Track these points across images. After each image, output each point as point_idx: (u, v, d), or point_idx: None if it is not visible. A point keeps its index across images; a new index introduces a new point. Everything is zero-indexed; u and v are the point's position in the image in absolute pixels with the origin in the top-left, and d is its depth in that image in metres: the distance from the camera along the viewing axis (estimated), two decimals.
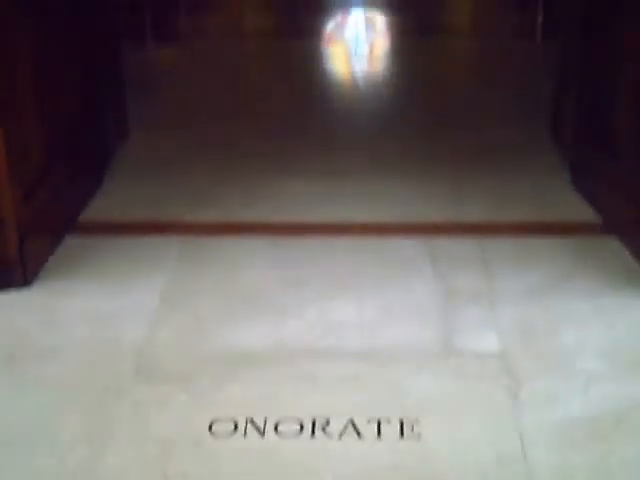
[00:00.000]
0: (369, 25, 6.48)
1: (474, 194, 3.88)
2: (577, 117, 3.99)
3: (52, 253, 3.35)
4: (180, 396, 2.51)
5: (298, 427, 2.38)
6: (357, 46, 6.14)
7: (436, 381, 2.58)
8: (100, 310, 2.98)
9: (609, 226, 3.54)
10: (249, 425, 2.38)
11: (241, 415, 2.42)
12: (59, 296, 3.08)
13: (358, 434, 2.36)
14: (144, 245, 3.45)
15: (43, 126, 3.33)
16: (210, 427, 2.38)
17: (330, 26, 6.43)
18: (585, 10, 3.85)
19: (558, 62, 4.39)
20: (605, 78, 3.66)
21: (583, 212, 3.70)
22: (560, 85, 4.35)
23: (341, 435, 2.36)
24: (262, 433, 2.36)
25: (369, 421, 2.40)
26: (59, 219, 3.49)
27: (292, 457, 2.28)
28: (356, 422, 2.40)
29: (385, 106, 4.96)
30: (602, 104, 3.71)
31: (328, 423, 2.39)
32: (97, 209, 3.78)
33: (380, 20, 6.50)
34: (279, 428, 2.37)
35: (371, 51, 6.06)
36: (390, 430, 2.37)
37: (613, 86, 3.58)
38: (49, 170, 3.37)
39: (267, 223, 3.65)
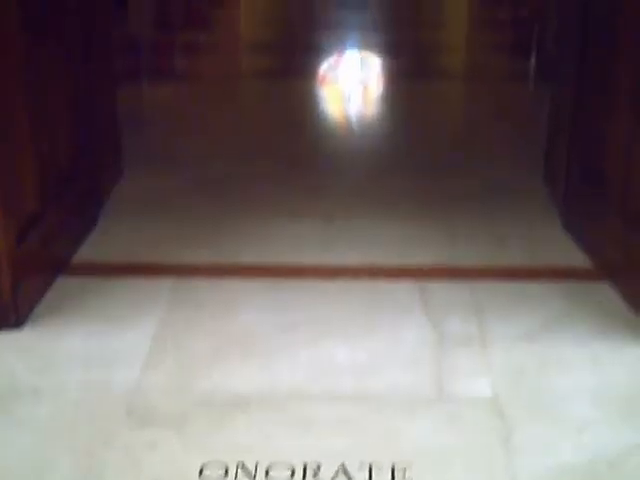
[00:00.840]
0: (364, 67, 6.53)
1: (467, 237, 3.89)
2: (569, 161, 4.02)
3: (45, 294, 3.35)
4: (171, 439, 2.51)
5: (289, 472, 2.37)
6: (351, 88, 6.18)
7: (428, 426, 2.58)
8: (92, 352, 2.98)
9: (601, 270, 3.56)
10: (240, 470, 2.37)
11: (232, 460, 2.41)
12: (51, 338, 3.07)
13: (349, 479, 2.35)
14: (137, 287, 3.45)
15: (38, 168, 3.34)
16: (201, 472, 2.37)
17: (325, 67, 6.48)
18: (578, 55, 3.88)
19: (551, 106, 4.43)
20: (597, 123, 3.70)
21: (575, 256, 3.72)
22: (553, 129, 4.38)
23: None
24: (253, 478, 2.35)
25: (361, 466, 2.39)
26: (52, 260, 3.49)
27: None
28: (347, 467, 2.39)
29: (379, 149, 4.99)
30: (594, 149, 3.74)
31: (319, 468, 2.38)
32: (90, 250, 3.78)
33: (374, 62, 6.55)
34: (270, 473, 2.37)
35: (365, 93, 6.10)
36: (382, 476, 2.36)
37: (605, 131, 3.61)
38: (43, 212, 3.37)
39: (260, 266, 3.65)
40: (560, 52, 4.36)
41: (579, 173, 3.89)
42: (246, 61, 6.83)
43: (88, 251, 3.77)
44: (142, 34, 7.53)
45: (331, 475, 2.36)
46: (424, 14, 8.01)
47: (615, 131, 3.51)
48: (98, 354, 2.96)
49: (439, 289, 3.43)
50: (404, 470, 2.38)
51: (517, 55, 6.82)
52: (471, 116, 5.53)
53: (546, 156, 4.46)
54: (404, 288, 3.44)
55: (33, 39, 3.27)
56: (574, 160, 3.96)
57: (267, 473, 2.36)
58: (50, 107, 3.48)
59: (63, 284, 3.47)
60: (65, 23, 3.64)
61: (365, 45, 7.01)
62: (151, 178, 4.55)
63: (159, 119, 5.44)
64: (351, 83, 6.25)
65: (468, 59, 6.96)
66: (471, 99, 5.95)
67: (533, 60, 6.92)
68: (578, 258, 3.70)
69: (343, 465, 2.39)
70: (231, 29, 7.77)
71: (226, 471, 2.37)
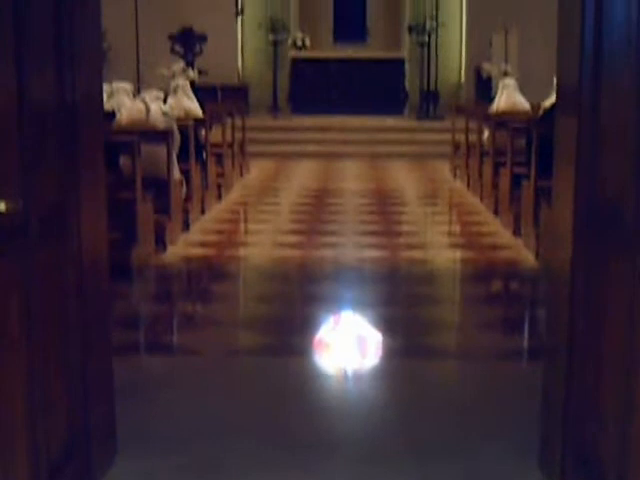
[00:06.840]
0: (357, 343, 6.64)
1: None
2: (564, 446, 4.01)
3: None
4: None
5: None
6: (345, 363, 6.27)
7: None
8: None
9: None
10: None
11: None
12: None
13: None
14: None
15: (29, 456, 3.36)
16: None
17: (320, 342, 6.59)
18: (568, 333, 3.97)
19: (543, 387, 4.46)
20: (591, 406, 3.73)
21: None
22: (545, 411, 4.39)
23: None
24: None
25: None
26: None
27: None
28: None
29: (372, 427, 4.99)
30: (588, 434, 3.75)
31: None
32: None
33: (369, 338, 6.67)
34: None
35: (359, 370, 6.19)
36: None
37: (599, 414, 3.64)
38: None
39: None
40: (549, 333, 4.46)
41: (575, 459, 3.88)
42: (244, 337, 6.94)
43: None
44: (141, 307, 7.71)
45: None
46: (418, 289, 8.22)
47: (607, 420, 3.55)
48: None
49: None
50: None
51: (508, 334, 6.96)
52: (464, 397, 5.55)
53: (541, 440, 4.44)
54: None
55: (29, 324, 3.36)
56: (569, 445, 3.96)
57: None
58: (45, 391, 3.51)
59: None
60: (63, 305, 3.75)
61: (359, 320, 7.15)
62: (146, 459, 4.51)
63: (156, 394, 5.45)
64: (344, 359, 6.35)
65: (460, 337, 7.07)
66: (463, 379, 6.00)
67: (525, 339, 7.05)
68: None
69: None
70: (230, 303, 7.95)
71: None
